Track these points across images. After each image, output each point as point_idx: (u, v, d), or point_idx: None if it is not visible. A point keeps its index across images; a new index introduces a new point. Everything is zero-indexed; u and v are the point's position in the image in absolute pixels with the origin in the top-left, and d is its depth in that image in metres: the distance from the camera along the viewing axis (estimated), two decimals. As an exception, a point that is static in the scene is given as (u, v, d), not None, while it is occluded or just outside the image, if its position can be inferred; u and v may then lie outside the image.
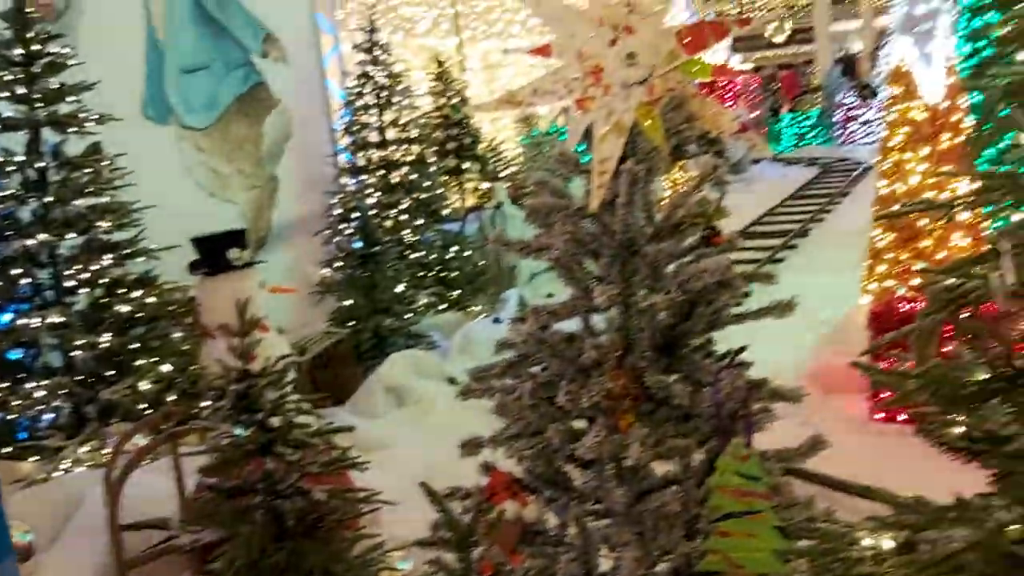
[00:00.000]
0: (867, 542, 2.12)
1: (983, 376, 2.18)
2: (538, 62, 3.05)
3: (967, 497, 2.13)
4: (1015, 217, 2.13)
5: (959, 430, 2.34)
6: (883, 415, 6.49)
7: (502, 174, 12.12)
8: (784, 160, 22.72)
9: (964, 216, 6.64)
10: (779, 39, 33.00)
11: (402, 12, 12.35)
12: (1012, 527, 1.79)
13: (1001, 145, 5.76)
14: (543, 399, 2.94)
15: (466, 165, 11.83)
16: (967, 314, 2.08)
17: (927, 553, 1.86)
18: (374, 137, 10.17)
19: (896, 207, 6.87)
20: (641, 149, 2.89)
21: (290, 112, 9.79)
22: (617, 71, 2.87)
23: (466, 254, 10.37)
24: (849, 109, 24.22)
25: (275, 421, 3.43)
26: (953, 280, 2.15)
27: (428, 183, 10.23)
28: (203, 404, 5.46)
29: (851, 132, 24.13)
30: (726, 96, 21.01)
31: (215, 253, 5.39)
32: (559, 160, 2.98)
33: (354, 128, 10.13)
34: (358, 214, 9.20)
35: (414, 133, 10.36)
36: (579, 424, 2.97)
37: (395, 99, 10.19)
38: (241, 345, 3.35)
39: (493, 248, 9.18)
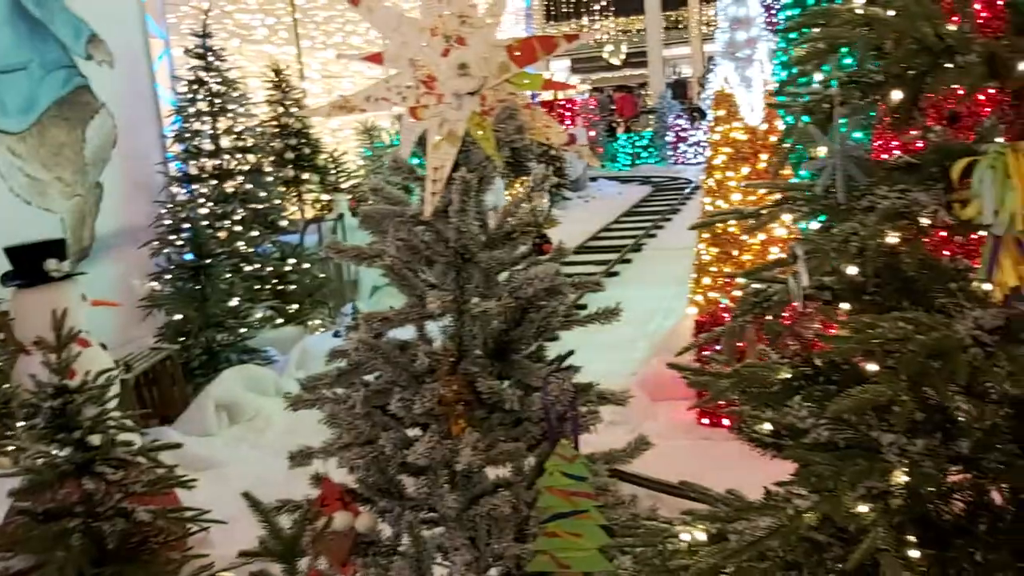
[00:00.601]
0: (684, 536, 2.23)
1: (786, 374, 2.34)
2: (378, 73, 3.05)
3: (774, 489, 2.28)
4: (812, 224, 2.30)
5: (767, 426, 2.51)
6: (709, 420, 6.81)
7: (343, 185, 11.96)
8: (620, 178, 23.60)
9: (782, 232, 7.09)
10: (616, 62, 34.26)
11: (238, 18, 12.01)
12: (808, 514, 1.92)
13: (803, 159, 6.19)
14: (376, 407, 2.92)
15: (305, 176, 11.59)
16: (770, 316, 2.23)
17: (735, 542, 1.97)
18: (207, 145, 9.81)
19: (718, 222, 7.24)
20: (474, 158, 2.94)
21: (116, 117, 9.33)
22: (450, 81, 2.91)
23: (305, 267, 10.15)
24: (680, 130, 25.36)
25: (95, 439, 3.25)
26: (758, 285, 2.29)
27: (265, 194, 9.96)
28: (18, 424, 5.11)
29: (682, 152, 25.27)
30: (565, 115, 21.58)
31: (31, 264, 5.08)
32: (393, 167, 2.99)
33: (186, 135, 9.74)
34: (189, 225, 8.85)
35: (250, 142, 10.07)
36: (412, 432, 2.97)
37: (230, 106, 9.87)
38: (57, 359, 3.16)
39: (332, 259, 9.05)
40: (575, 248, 14.42)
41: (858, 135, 2.39)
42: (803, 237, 2.01)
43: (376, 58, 2.98)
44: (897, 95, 2.01)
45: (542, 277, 2.79)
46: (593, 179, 22.53)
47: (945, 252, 2.26)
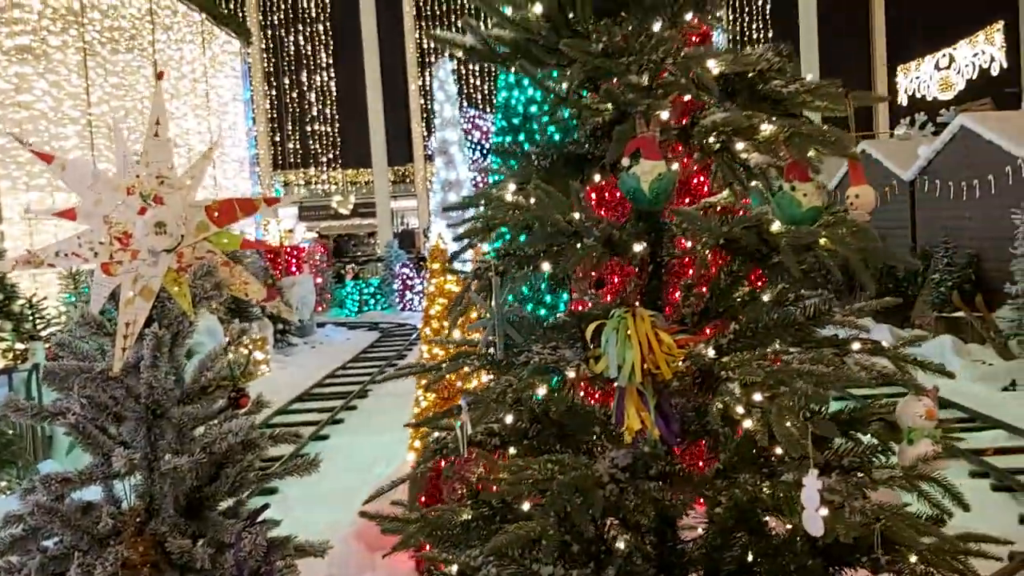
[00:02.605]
0: None
1: (466, 516, 2.54)
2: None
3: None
4: (485, 378, 2.56)
5: (455, 568, 2.67)
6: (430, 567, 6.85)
7: (42, 333, 11.11)
8: (348, 324, 23.71)
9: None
10: (344, 211, 34.96)
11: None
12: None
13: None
14: (54, 574, 2.76)
15: (-2, 323, 10.67)
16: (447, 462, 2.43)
17: None
18: None
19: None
20: (169, 314, 2.97)
21: None
22: (146, 238, 2.96)
23: (-9, 423, 9.22)
24: (407, 278, 26.10)
25: None
26: (438, 433, 2.50)
27: (-53, 342, 9.05)
28: None
29: (409, 300, 25.93)
30: (291, 262, 21.57)
31: None
32: (82, 323, 2.94)
33: None
34: None
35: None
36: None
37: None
38: None
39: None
40: (298, 395, 14.21)
41: (528, 297, 2.73)
42: (468, 390, 2.25)
43: (69, 214, 2.98)
44: (546, 266, 2.35)
45: (236, 431, 2.83)
46: (321, 325, 22.47)
47: (592, 400, 2.59)
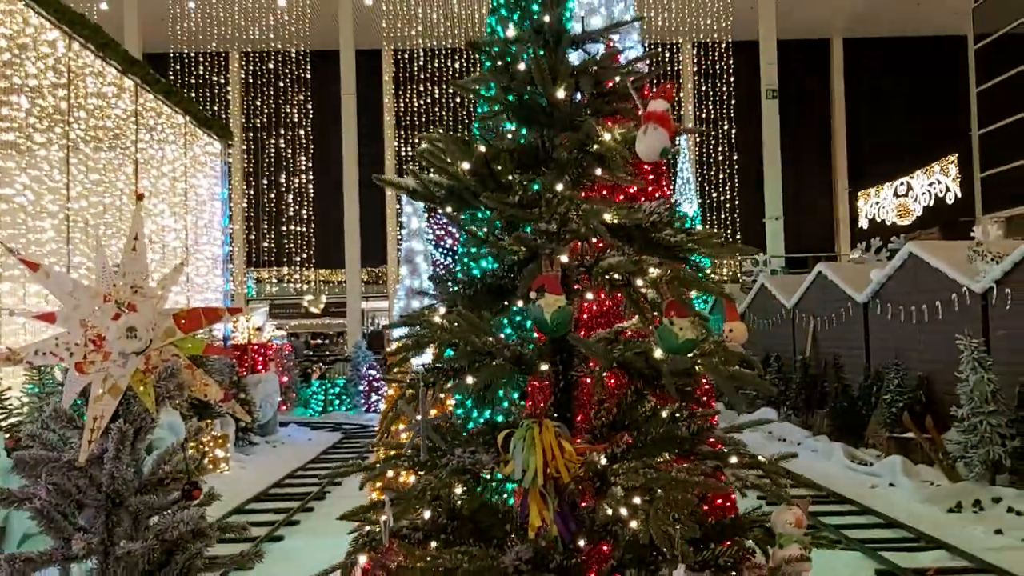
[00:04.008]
0: None
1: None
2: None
3: None
4: (412, 479, 2.88)
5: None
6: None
7: (3, 423, 11.18)
8: (311, 424, 23.70)
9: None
10: (315, 310, 35.25)
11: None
12: None
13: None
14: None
15: (-42, 412, 10.75)
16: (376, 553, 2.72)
17: None
18: None
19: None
20: (134, 411, 3.28)
21: None
22: (118, 341, 3.29)
23: (-55, 511, 9.24)
24: (374, 379, 26.23)
25: None
26: (369, 527, 2.80)
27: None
28: None
29: (374, 401, 26.01)
30: (258, 359, 21.71)
31: None
32: (53, 416, 3.24)
33: None
34: None
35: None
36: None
37: None
38: None
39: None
40: (256, 495, 14.19)
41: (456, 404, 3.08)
42: (389, 488, 2.57)
43: (49, 317, 3.31)
44: (469, 380, 2.70)
45: (187, 520, 3.10)
46: (283, 424, 22.44)
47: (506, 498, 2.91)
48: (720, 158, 35.40)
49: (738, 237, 32.69)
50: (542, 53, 2.72)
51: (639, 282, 2.65)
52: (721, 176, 35.68)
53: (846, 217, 37.37)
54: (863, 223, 36.11)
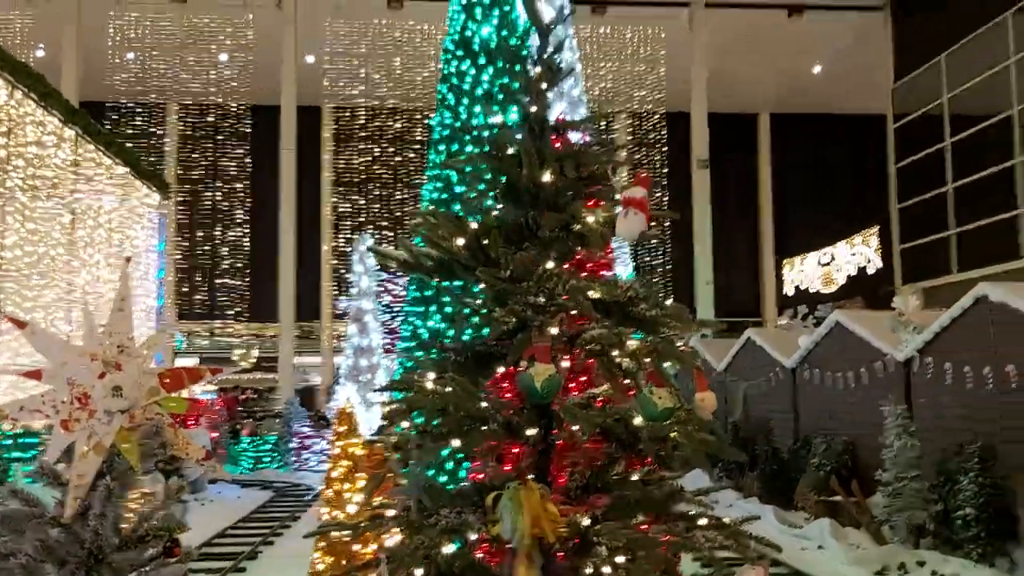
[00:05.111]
0: None
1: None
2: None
3: None
4: (395, 539, 3.01)
5: None
6: None
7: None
8: (241, 482, 23.22)
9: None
10: (246, 365, 34.68)
11: None
12: None
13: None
14: None
15: None
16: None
17: None
18: None
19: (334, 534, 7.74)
20: (117, 467, 3.34)
21: None
22: (103, 399, 3.36)
23: None
24: (305, 437, 25.87)
25: None
26: (355, 584, 2.90)
27: None
28: None
29: (306, 459, 25.62)
30: (190, 416, 21.29)
31: None
32: (38, 472, 3.28)
33: None
34: None
35: None
36: None
37: None
38: None
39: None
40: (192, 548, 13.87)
41: (430, 471, 3.22)
42: (386, 547, 2.69)
43: (36, 375, 3.37)
44: (456, 442, 2.86)
45: (170, 577, 3.16)
46: (212, 481, 21.95)
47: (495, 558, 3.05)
48: (653, 223, 36.26)
49: (670, 300, 33.37)
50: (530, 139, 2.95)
51: (615, 352, 2.86)
52: (654, 240, 36.50)
53: (772, 284, 38.52)
54: (789, 290, 37.23)
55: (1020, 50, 22.73)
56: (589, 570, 2.50)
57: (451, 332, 7.80)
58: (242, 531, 16.60)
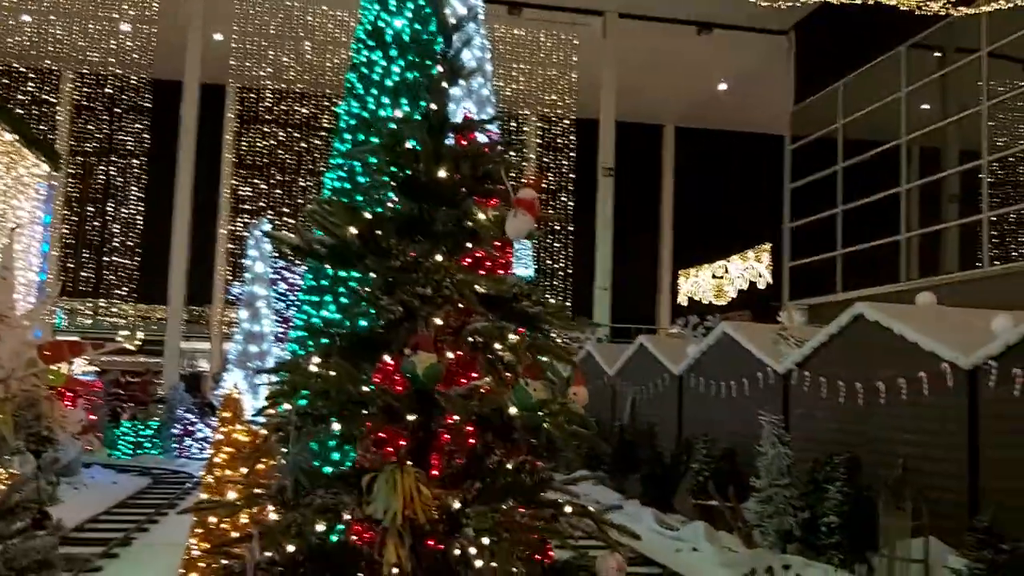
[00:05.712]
0: None
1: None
2: None
3: None
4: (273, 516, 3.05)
5: None
6: None
7: None
8: (118, 467, 22.52)
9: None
10: (131, 347, 33.54)
11: None
12: None
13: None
14: None
15: None
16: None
17: None
18: None
19: (211, 518, 7.65)
20: (-12, 438, 3.29)
21: None
22: (-23, 368, 3.30)
23: None
24: (189, 423, 25.25)
25: None
26: (226, 561, 2.95)
27: None
28: None
29: (187, 446, 25.00)
30: (67, 395, 20.53)
31: None
32: (-98, 440, 3.20)
33: None
34: None
35: None
36: None
37: None
38: None
39: None
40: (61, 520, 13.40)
41: (314, 448, 3.27)
42: (260, 522, 2.75)
43: (-94, 339, 3.28)
44: (336, 426, 2.93)
45: (39, 549, 3.13)
46: (87, 465, 21.19)
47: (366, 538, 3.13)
48: (556, 227, 36.73)
49: (568, 303, 33.89)
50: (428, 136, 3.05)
51: (497, 345, 2.98)
52: (556, 244, 36.97)
53: (667, 293, 39.52)
54: (683, 300, 38.27)
55: (912, 82, 23.95)
56: (457, 550, 2.61)
57: (346, 323, 7.81)
58: (116, 517, 16.12)
